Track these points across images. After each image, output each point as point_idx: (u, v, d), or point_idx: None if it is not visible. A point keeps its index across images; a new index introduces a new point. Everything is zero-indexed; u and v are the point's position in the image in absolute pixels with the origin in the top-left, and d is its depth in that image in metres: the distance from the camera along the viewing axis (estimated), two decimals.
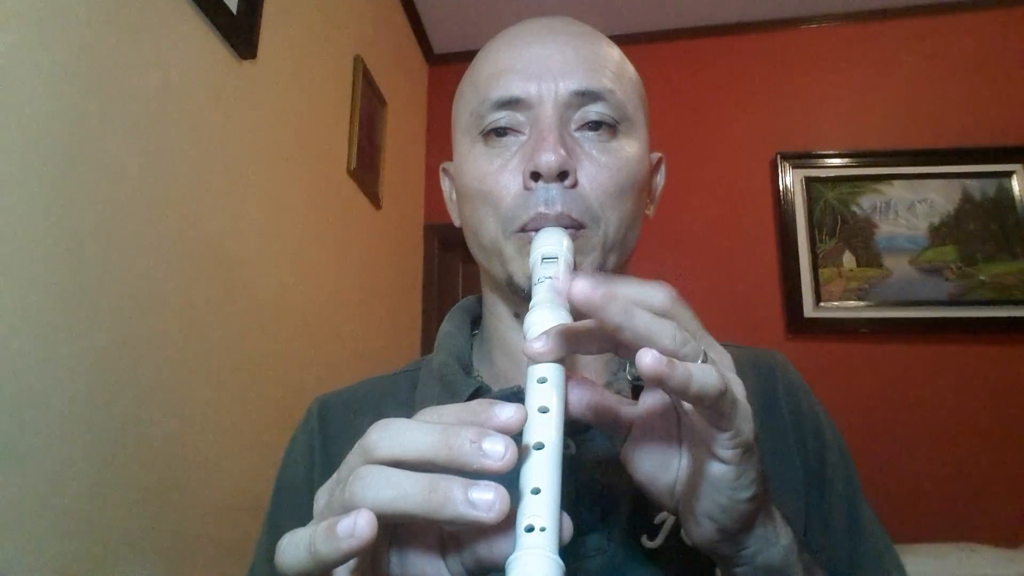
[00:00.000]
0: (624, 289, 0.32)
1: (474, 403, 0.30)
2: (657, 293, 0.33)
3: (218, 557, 1.04)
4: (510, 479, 0.31)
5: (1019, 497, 1.89)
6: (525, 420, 0.30)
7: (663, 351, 0.29)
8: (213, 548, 1.04)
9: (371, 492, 0.27)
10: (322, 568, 0.27)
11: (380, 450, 0.28)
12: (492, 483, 0.27)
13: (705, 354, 0.32)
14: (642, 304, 0.31)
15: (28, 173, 0.75)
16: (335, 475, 0.31)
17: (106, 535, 0.83)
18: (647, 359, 0.28)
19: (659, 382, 0.28)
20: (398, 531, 0.33)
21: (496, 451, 0.27)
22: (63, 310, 0.79)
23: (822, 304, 2.14)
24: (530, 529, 0.29)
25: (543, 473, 0.30)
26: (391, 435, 0.29)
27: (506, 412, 0.29)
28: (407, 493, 0.27)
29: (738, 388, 0.32)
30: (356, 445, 0.30)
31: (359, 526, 0.25)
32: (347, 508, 0.27)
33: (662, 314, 0.31)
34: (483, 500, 0.26)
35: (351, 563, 0.29)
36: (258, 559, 0.55)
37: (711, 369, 0.29)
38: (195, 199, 1.07)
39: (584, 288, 0.29)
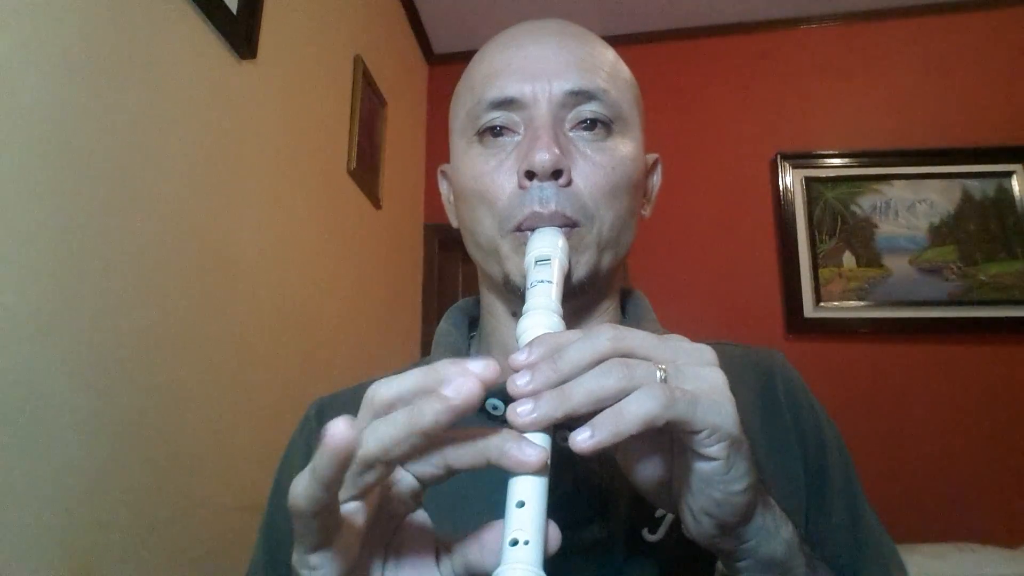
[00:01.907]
0: (566, 359, 0.33)
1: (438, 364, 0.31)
2: (597, 343, 0.33)
3: (217, 557, 1.04)
4: (497, 492, 0.32)
5: (1019, 497, 1.89)
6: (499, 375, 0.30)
7: (616, 394, 0.31)
8: (213, 548, 1.04)
9: (371, 439, 0.29)
10: (326, 488, 0.28)
11: (375, 403, 0.31)
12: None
13: (664, 369, 0.32)
14: (586, 360, 0.32)
15: (27, 173, 0.75)
16: None
17: (106, 534, 0.83)
18: (575, 447, 0.30)
19: (600, 451, 0.30)
20: (393, 539, 0.33)
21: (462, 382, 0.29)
22: (62, 310, 0.79)
23: (822, 304, 2.14)
24: (514, 543, 0.29)
25: (528, 486, 0.30)
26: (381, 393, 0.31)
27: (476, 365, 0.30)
28: (396, 421, 0.29)
29: (706, 384, 0.32)
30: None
31: (339, 426, 0.27)
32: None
33: (608, 355, 0.32)
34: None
35: (356, 502, 0.30)
36: (255, 565, 0.55)
37: (643, 395, 0.30)
38: (195, 199, 1.07)
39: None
